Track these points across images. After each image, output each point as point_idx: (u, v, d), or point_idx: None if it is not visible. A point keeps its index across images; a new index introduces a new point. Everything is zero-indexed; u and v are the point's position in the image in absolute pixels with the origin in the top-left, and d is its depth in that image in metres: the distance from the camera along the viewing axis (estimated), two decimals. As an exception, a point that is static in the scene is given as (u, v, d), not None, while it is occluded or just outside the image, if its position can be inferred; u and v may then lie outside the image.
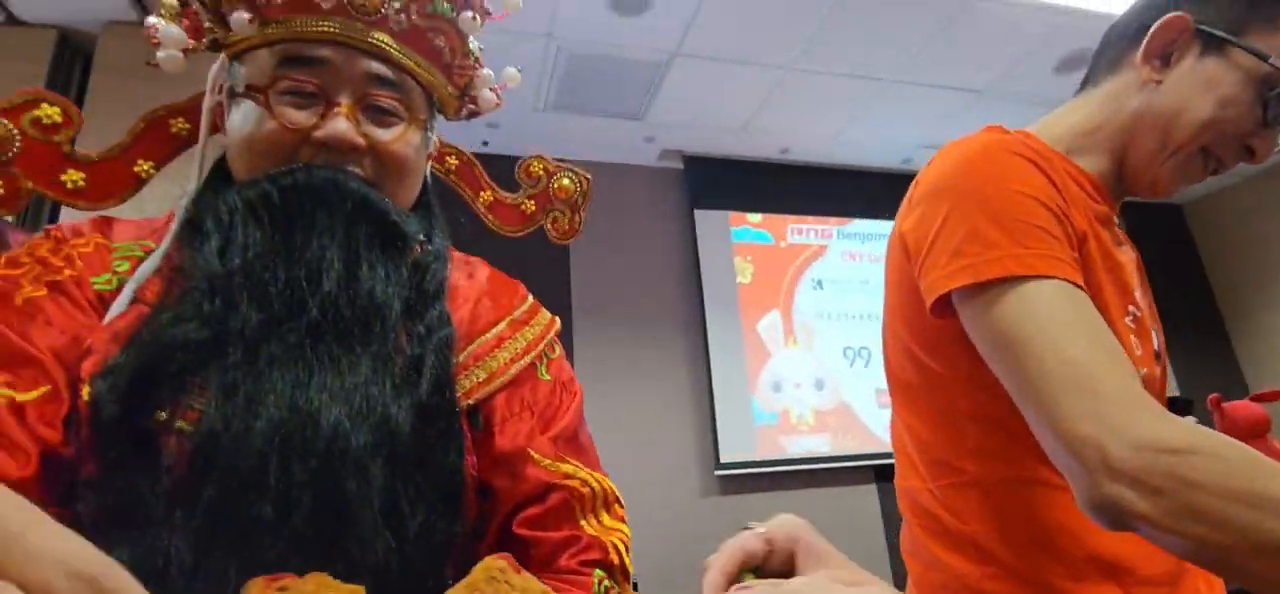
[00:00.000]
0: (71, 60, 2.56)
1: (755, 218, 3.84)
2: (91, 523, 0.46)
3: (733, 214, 3.79)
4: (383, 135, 0.62)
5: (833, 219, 3.95)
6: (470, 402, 0.61)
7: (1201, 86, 0.69)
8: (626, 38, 2.80)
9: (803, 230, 3.90)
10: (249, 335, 0.52)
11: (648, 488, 3.12)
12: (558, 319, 0.74)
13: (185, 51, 0.66)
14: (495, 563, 0.46)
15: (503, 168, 0.85)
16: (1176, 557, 0.51)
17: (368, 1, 0.60)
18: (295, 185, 0.58)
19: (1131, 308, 0.72)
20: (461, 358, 0.63)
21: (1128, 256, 0.77)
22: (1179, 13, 0.70)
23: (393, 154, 0.62)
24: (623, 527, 0.64)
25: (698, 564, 0.42)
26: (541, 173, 0.83)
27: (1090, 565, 0.66)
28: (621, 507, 0.65)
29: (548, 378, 0.68)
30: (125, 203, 0.70)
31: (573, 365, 0.73)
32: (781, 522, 0.42)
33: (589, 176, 0.84)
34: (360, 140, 0.60)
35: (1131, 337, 0.70)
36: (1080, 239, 0.67)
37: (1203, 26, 0.69)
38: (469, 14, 0.67)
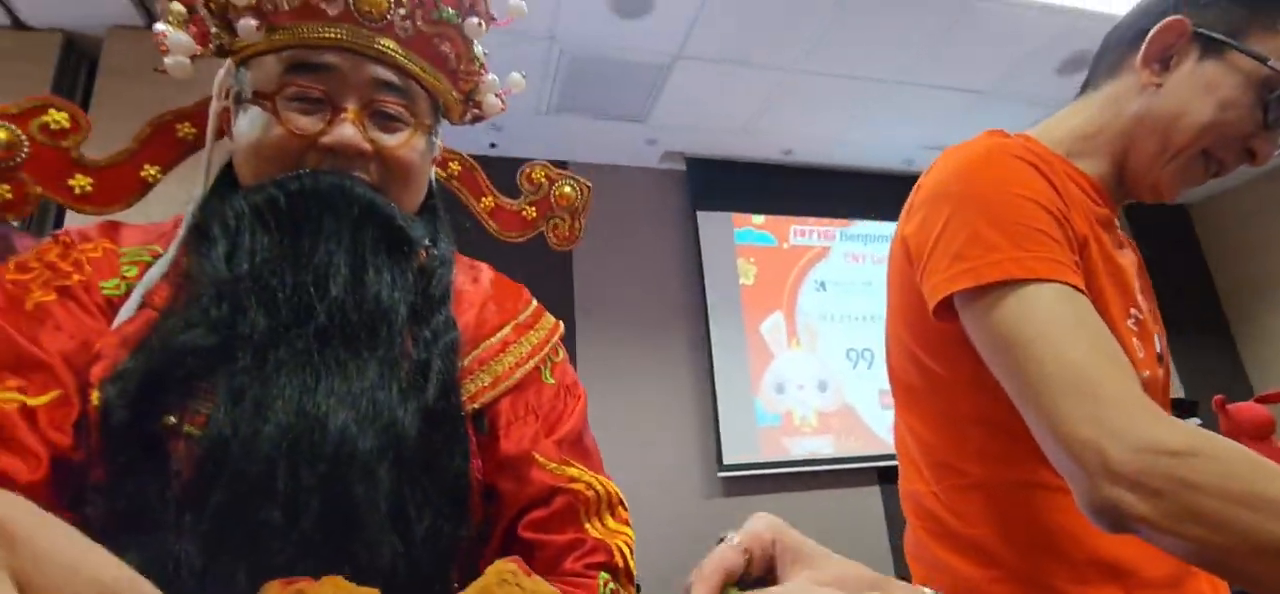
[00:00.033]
0: (77, 63, 2.57)
1: (758, 219, 3.84)
2: (101, 527, 0.46)
3: (735, 215, 3.79)
4: (388, 141, 0.62)
5: (835, 220, 3.95)
6: (475, 406, 0.62)
7: (1201, 90, 0.69)
8: (628, 40, 2.81)
9: (805, 232, 3.90)
10: (257, 340, 0.52)
11: (651, 490, 3.12)
12: (561, 323, 0.74)
13: (192, 58, 0.66)
14: (506, 566, 0.47)
15: (507, 170, 0.85)
16: (1177, 559, 0.51)
17: (374, 8, 0.61)
18: (302, 191, 0.58)
19: (1133, 310, 0.72)
20: (467, 362, 0.63)
21: (1129, 259, 0.77)
22: (1178, 16, 0.70)
23: (398, 159, 0.63)
24: (627, 529, 0.64)
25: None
26: (543, 180, 0.83)
27: (1093, 568, 0.66)
28: (625, 509, 0.66)
29: (552, 382, 0.68)
30: (131, 207, 0.71)
31: (576, 367, 0.74)
32: (756, 528, 0.40)
33: (589, 185, 0.85)
34: (366, 146, 0.61)
35: (1133, 339, 0.70)
36: (1081, 242, 0.67)
37: (1202, 30, 0.70)
38: (474, 20, 0.68)
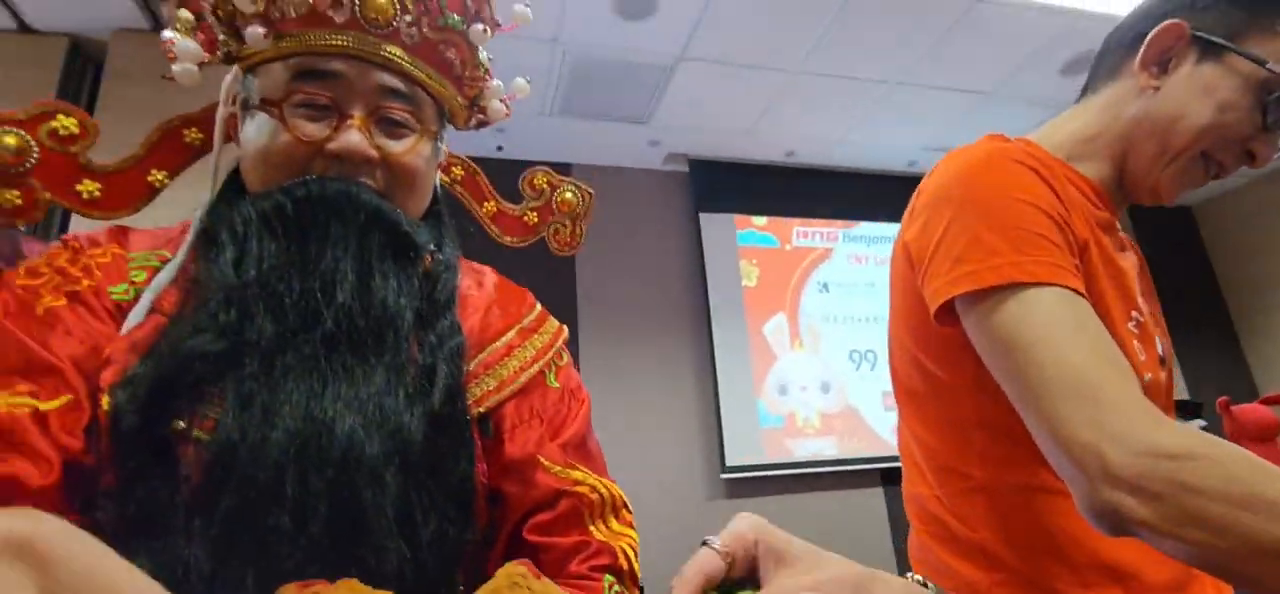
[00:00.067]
0: (82, 67, 2.59)
1: (761, 221, 3.84)
2: (111, 532, 0.47)
3: (738, 217, 3.79)
4: (395, 147, 0.63)
5: (838, 222, 3.95)
6: (481, 410, 0.62)
7: (1199, 92, 0.69)
8: (632, 42, 2.81)
9: (808, 233, 3.90)
10: (265, 346, 0.53)
11: (654, 491, 3.13)
12: (565, 327, 0.75)
13: (200, 65, 0.67)
14: (516, 569, 0.47)
15: (513, 174, 0.86)
16: (1179, 561, 0.51)
17: (380, 15, 0.61)
18: (309, 197, 0.58)
19: (1134, 313, 0.72)
20: (472, 366, 0.63)
21: (1130, 262, 0.78)
22: (1176, 20, 0.71)
23: (404, 165, 0.63)
24: (631, 532, 0.64)
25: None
26: (545, 186, 0.84)
27: (1096, 571, 0.66)
28: (629, 512, 0.66)
29: (556, 385, 0.68)
30: (139, 212, 0.71)
31: (578, 367, 0.74)
32: (738, 529, 0.40)
33: (591, 191, 0.85)
34: (373, 152, 0.61)
35: (1135, 342, 0.70)
36: (1081, 246, 0.67)
37: (1199, 33, 0.70)
38: (479, 26, 0.68)
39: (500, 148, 3.32)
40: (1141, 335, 0.72)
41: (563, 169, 0.85)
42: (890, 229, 3.82)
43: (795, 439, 3.47)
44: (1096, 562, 0.66)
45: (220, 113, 0.68)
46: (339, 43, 0.61)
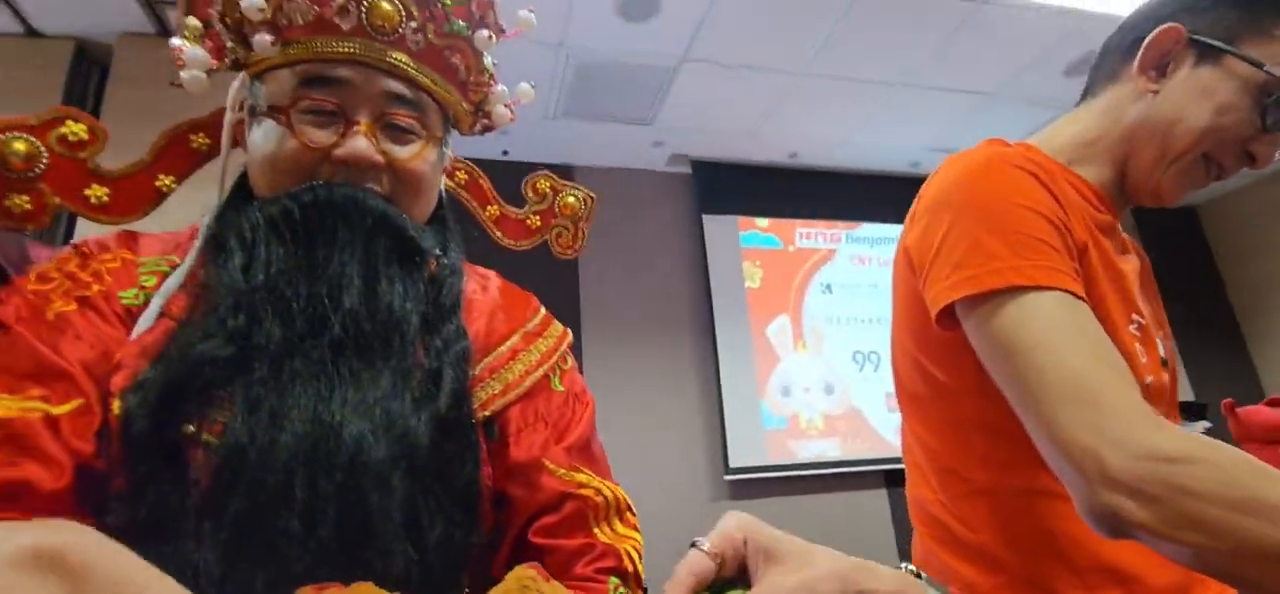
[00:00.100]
0: (88, 70, 2.60)
1: (764, 222, 3.84)
2: (122, 536, 0.47)
3: (741, 218, 3.79)
4: (401, 153, 0.63)
5: (841, 223, 3.95)
6: (486, 413, 0.62)
7: (1197, 95, 0.69)
8: (635, 44, 2.81)
9: (811, 234, 3.90)
10: (273, 351, 0.53)
11: (658, 493, 3.12)
12: (569, 331, 0.75)
13: (208, 72, 0.67)
14: (526, 572, 0.48)
15: (516, 176, 0.86)
16: (1179, 564, 0.51)
17: (386, 22, 0.61)
18: (316, 202, 0.59)
19: (1135, 316, 0.73)
20: (477, 370, 0.64)
21: (1132, 264, 0.78)
22: (1173, 23, 0.71)
23: (410, 171, 0.64)
24: (635, 534, 0.65)
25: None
26: (548, 190, 0.84)
27: (1098, 574, 0.67)
28: (634, 514, 0.67)
29: (561, 389, 0.69)
30: (147, 216, 0.72)
31: (581, 369, 0.75)
32: (726, 529, 0.40)
33: (593, 195, 0.86)
34: (379, 158, 0.61)
35: (1135, 344, 0.70)
36: (1081, 250, 0.68)
37: (1197, 36, 0.70)
38: (484, 32, 0.69)
39: (506, 152, 3.33)
40: (1143, 337, 0.72)
41: (566, 171, 0.86)
42: (893, 230, 3.80)
43: (799, 441, 3.47)
44: (1098, 565, 0.67)
45: (227, 119, 0.69)
46: (345, 50, 0.61)
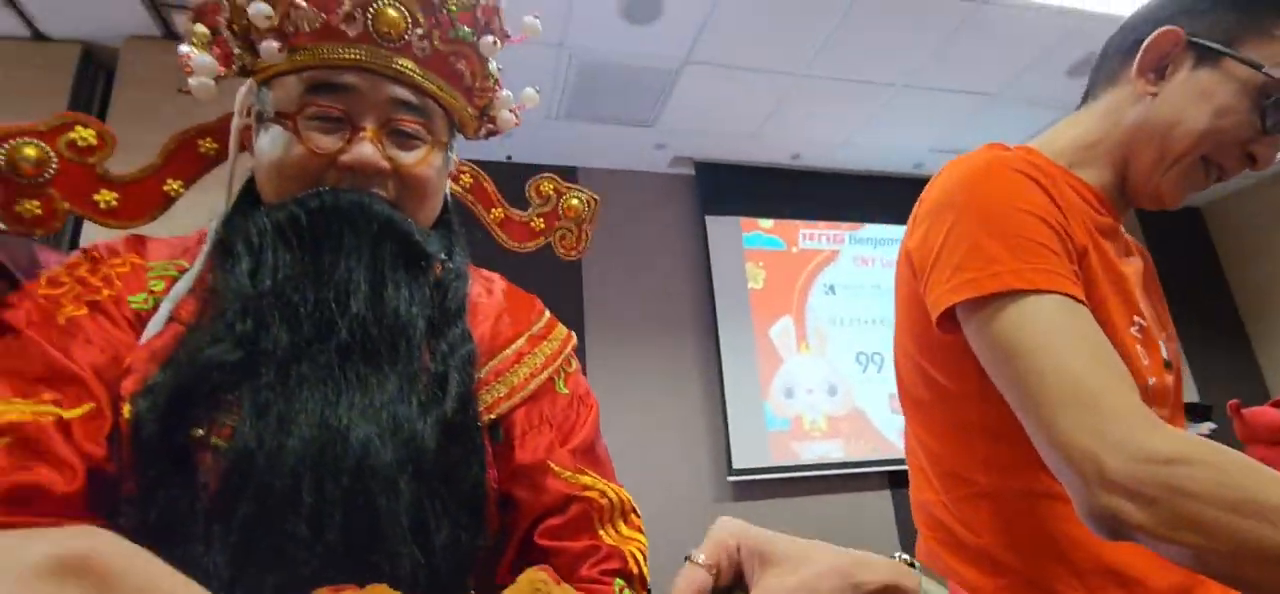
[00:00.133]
0: (95, 74, 2.62)
1: (767, 223, 3.84)
2: (132, 539, 0.48)
3: (744, 220, 3.79)
4: (406, 158, 0.64)
5: (844, 224, 3.95)
6: (492, 416, 0.63)
7: (1196, 97, 0.70)
8: (637, 45, 2.82)
9: (814, 235, 3.90)
10: (280, 355, 0.54)
11: (661, 495, 3.13)
12: (574, 334, 0.76)
13: (216, 79, 0.68)
14: (537, 575, 0.48)
15: (519, 178, 0.87)
16: (1178, 565, 0.51)
17: (392, 29, 0.62)
18: (323, 208, 0.59)
19: (1137, 318, 0.73)
20: (483, 373, 0.64)
21: (1134, 267, 0.78)
22: (1172, 25, 0.71)
23: (416, 176, 0.64)
24: (640, 536, 0.65)
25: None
26: (551, 192, 0.85)
27: (1100, 576, 0.67)
28: (638, 516, 0.67)
29: (566, 392, 0.69)
30: (155, 221, 0.72)
31: (585, 371, 0.75)
32: (719, 536, 0.40)
33: (597, 197, 0.86)
34: (385, 164, 0.62)
35: (1137, 347, 0.71)
36: (1081, 253, 0.68)
37: (1195, 38, 0.70)
38: (489, 38, 0.69)
39: (509, 154, 3.34)
40: (1145, 340, 0.72)
41: (569, 173, 0.86)
42: (896, 231, 3.81)
43: (802, 442, 3.47)
44: (1100, 567, 0.67)
45: (235, 125, 0.69)
46: (352, 56, 0.62)
